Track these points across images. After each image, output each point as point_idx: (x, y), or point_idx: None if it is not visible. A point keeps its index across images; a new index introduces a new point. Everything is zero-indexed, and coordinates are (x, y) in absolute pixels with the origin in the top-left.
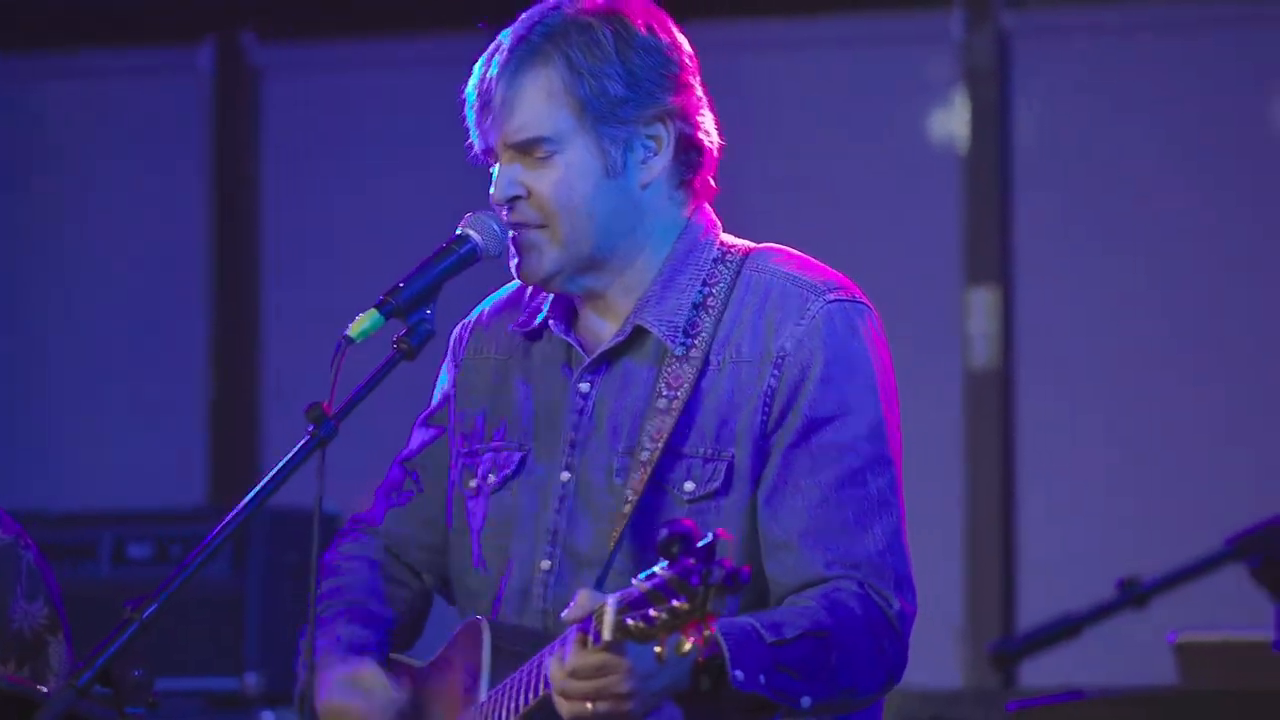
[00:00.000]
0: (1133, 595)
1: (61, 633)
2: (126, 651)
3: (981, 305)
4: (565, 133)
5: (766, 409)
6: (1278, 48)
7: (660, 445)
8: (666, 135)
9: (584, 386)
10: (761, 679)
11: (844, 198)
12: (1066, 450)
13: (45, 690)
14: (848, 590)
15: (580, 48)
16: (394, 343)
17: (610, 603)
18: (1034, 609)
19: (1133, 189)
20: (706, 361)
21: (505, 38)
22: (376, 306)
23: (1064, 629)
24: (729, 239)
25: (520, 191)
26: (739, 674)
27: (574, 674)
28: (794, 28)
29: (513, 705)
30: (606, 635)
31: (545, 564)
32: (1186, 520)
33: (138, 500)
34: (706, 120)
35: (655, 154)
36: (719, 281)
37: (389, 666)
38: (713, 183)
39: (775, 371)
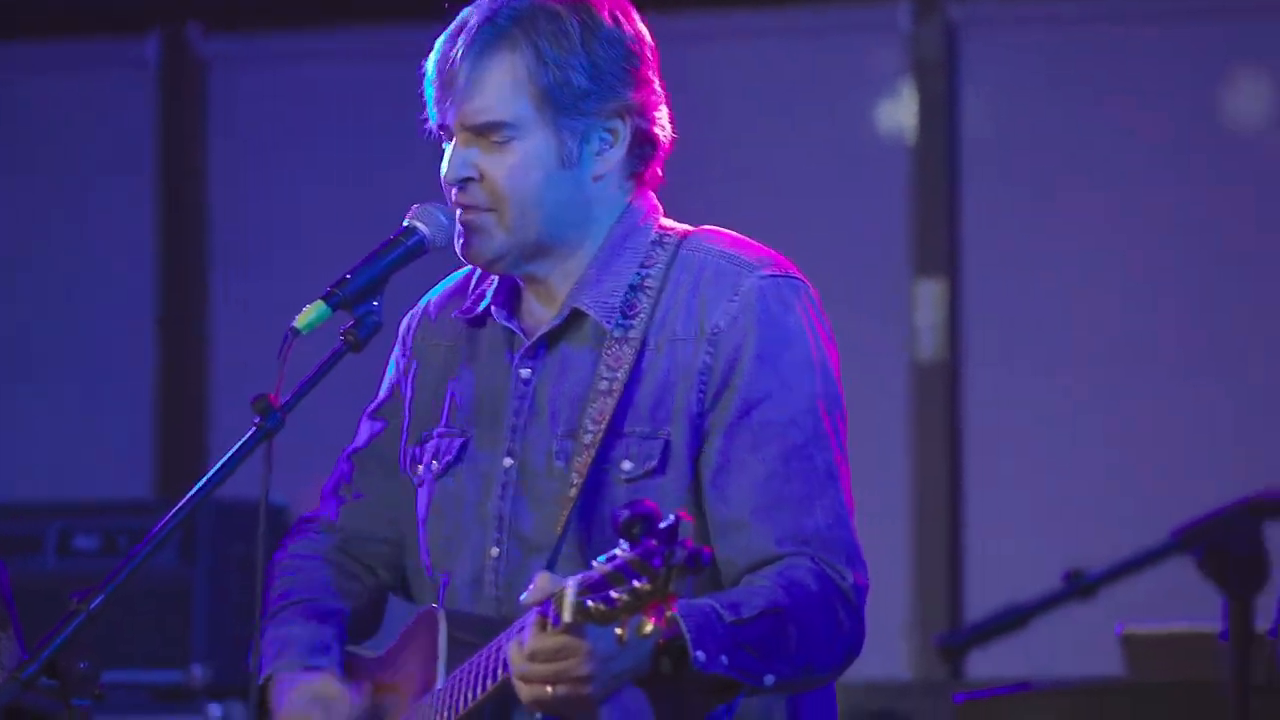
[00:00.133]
0: (1079, 587)
1: (11, 628)
2: (72, 643)
3: (929, 297)
4: (525, 120)
5: (702, 387)
6: (1227, 38)
7: (603, 427)
8: (624, 129)
9: (525, 372)
10: (723, 659)
11: (791, 188)
12: (1013, 442)
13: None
14: (802, 567)
15: (548, 36)
16: (341, 334)
17: (570, 585)
18: (981, 601)
19: (1081, 180)
20: (645, 342)
21: (471, 15)
22: (323, 298)
23: (1011, 620)
24: (668, 223)
25: (473, 174)
26: (700, 655)
27: (533, 657)
28: (741, 19)
29: (471, 691)
30: (566, 617)
31: (494, 551)
32: (1133, 512)
33: (84, 491)
34: (662, 115)
35: (611, 147)
36: (656, 263)
37: (346, 660)
38: (660, 173)
39: (709, 349)
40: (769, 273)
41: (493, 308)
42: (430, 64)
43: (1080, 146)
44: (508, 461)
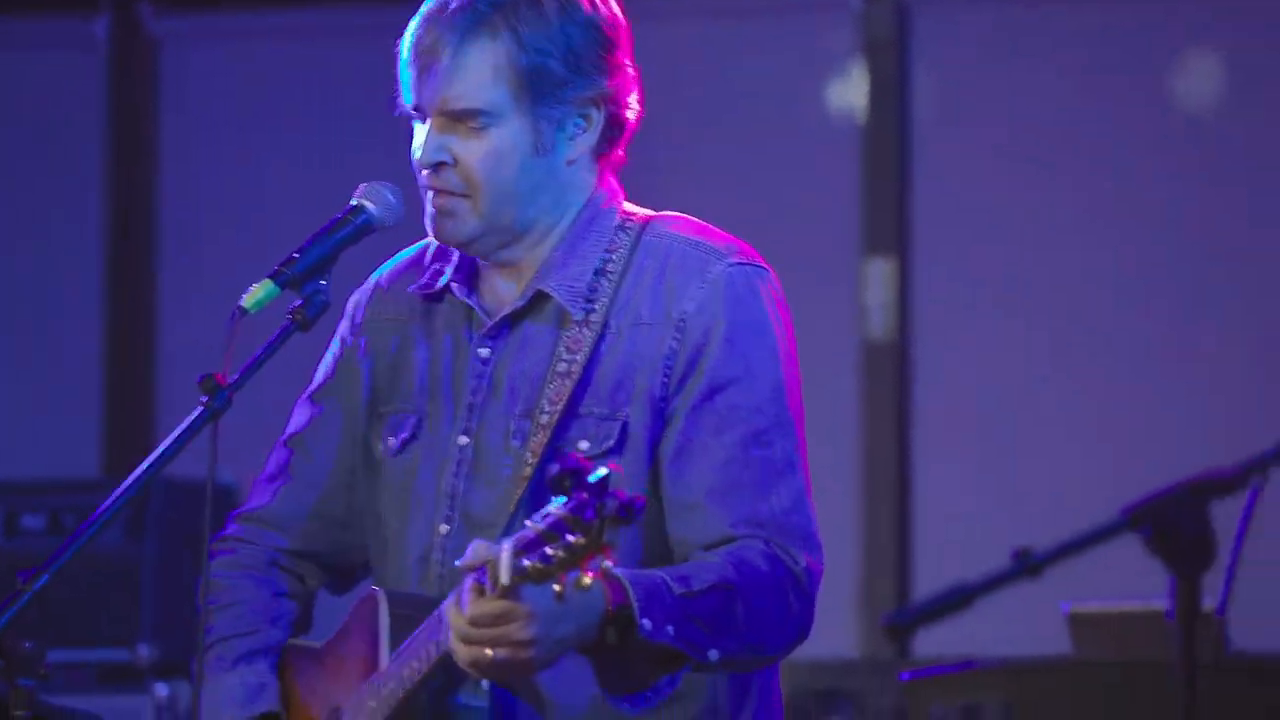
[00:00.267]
0: (1026, 565)
1: None
2: (18, 623)
3: (879, 276)
4: (502, 108)
5: (667, 371)
6: (1179, 19)
7: (560, 408)
8: (598, 115)
9: (484, 351)
10: (670, 630)
11: (742, 168)
12: (962, 421)
13: None
14: (754, 549)
15: (528, 23)
16: (289, 313)
17: (505, 547)
18: (928, 580)
19: (1031, 160)
20: (606, 326)
21: None
22: (271, 277)
23: (958, 599)
24: (630, 207)
25: (447, 159)
26: (647, 623)
27: (473, 623)
28: None
29: (414, 665)
30: (504, 579)
31: (444, 528)
32: (1081, 490)
33: (31, 470)
34: (633, 98)
35: (584, 132)
36: (620, 248)
37: (288, 653)
38: (624, 154)
39: (676, 334)
40: (737, 260)
41: (453, 284)
42: (405, 45)
43: (1031, 126)
44: (463, 440)
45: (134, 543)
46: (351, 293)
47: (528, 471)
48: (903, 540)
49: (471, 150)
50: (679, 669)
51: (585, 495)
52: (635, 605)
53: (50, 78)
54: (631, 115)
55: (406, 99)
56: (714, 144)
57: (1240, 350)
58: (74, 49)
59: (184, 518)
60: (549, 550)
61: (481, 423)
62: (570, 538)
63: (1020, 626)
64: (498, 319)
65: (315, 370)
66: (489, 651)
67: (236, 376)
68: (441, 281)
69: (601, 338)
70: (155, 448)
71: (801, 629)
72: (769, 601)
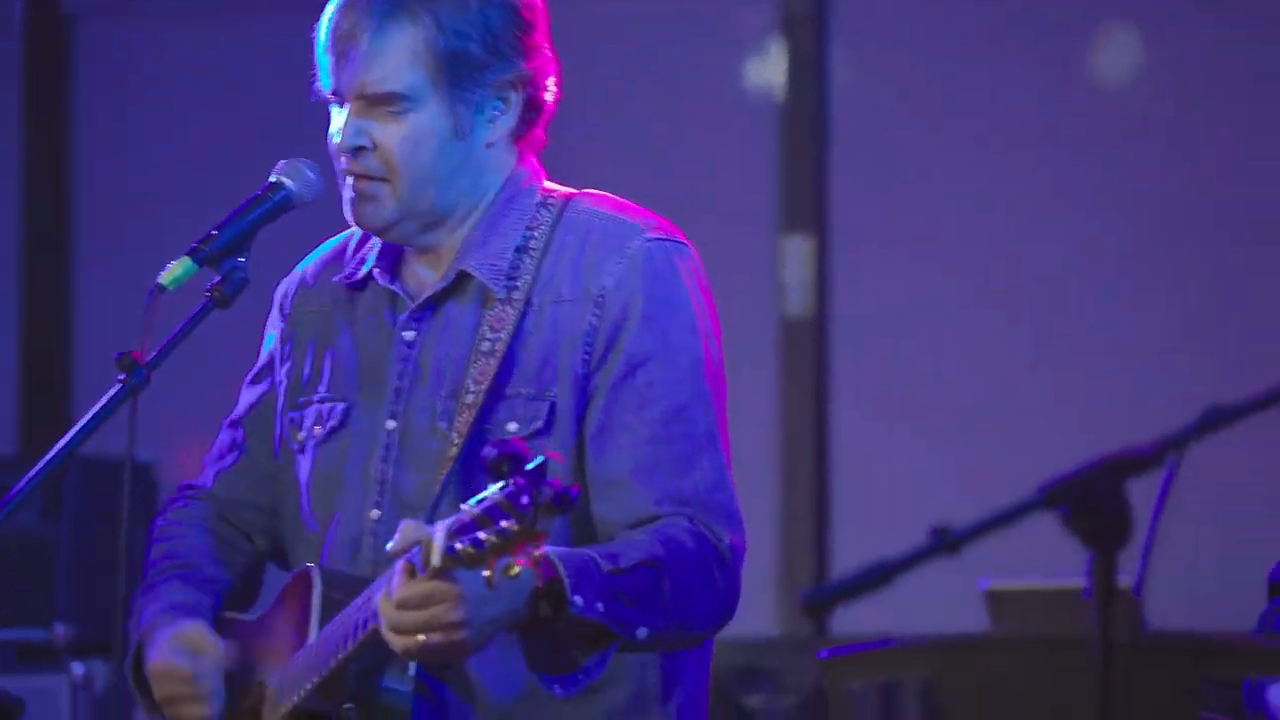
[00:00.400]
0: (945, 543)
1: None
2: None
3: (797, 253)
4: (421, 92)
5: (588, 348)
6: None
7: (485, 388)
8: (516, 98)
9: (408, 334)
10: (600, 607)
11: (660, 145)
12: (880, 398)
13: None
14: (679, 526)
15: (447, 7)
16: (208, 291)
17: (438, 530)
18: (847, 557)
19: (949, 138)
20: (529, 303)
21: None
22: (189, 254)
23: (876, 577)
24: (551, 185)
25: (366, 143)
26: (578, 600)
27: (403, 605)
28: None
29: (341, 644)
30: (435, 562)
31: (374, 513)
32: (999, 467)
33: None
34: (552, 80)
35: (503, 114)
36: (541, 225)
37: (220, 624)
38: (544, 135)
39: (596, 311)
40: (655, 236)
41: (376, 271)
42: (323, 29)
43: (949, 104)
44: (390, 424)
45: (50, 522)
46: (268, 269)
47: (454, 452)
48: (821, 518)
49: (390, 134)
50: (608, 648)
51: (522, 481)
52: (566, 582)
53: None
54: (549, 97)
55: (325, 83)
56: (633, 122)
57: (1160, 326)
58: None
59: (101, 496)
60: (482, 535)
61: (408, 406)
62: (504, 523)
63: (939, 604)
64: (420, 301)
65: (258, 353)
66: (420, 637)
67: (154, 354)
68: (364, 270)
69: (524, 315)
70: (72, 426)
71: (727, 606)
72: (696, 579)
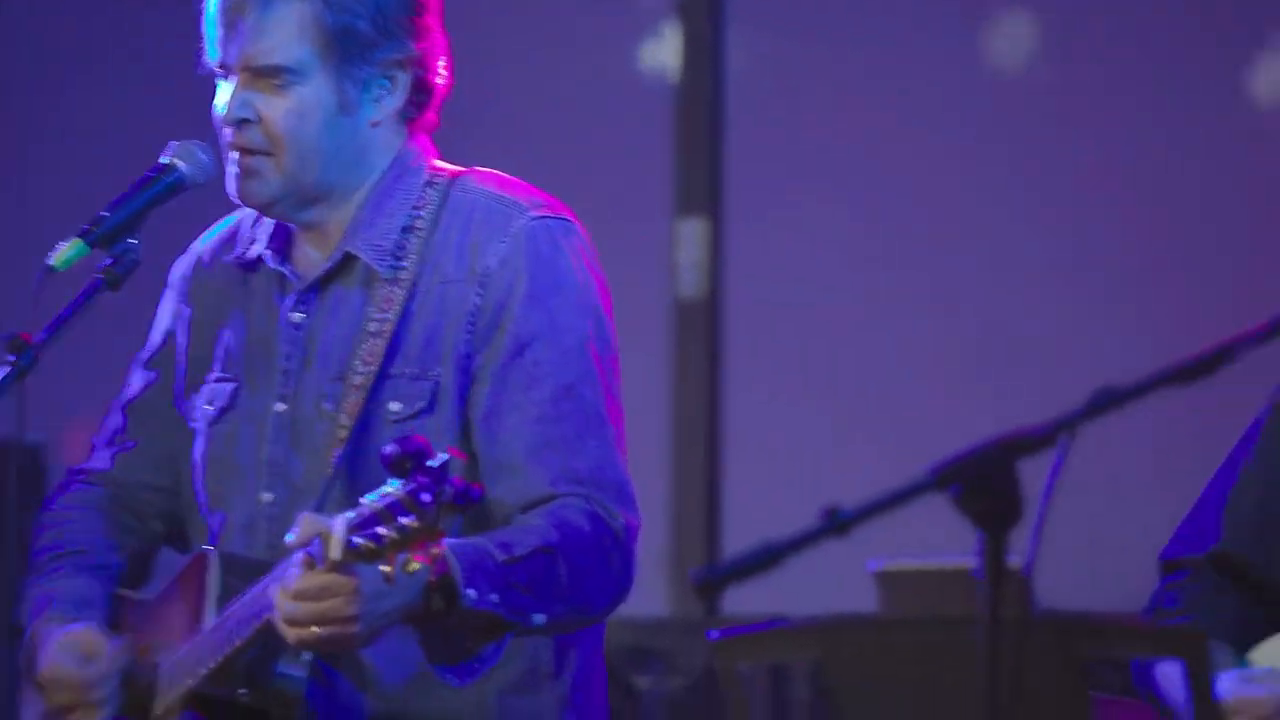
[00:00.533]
0: (835, 524)
1: None
2: None
3: (691, 236)
4: (307, 66)
5: (471, 328)
6: None
7: (373, 369)
8: (403, 78)
9: (296, 317)
10: (494, 598)
11: (555, 127)
12: (772, 380)
13: None
14: (574, 507)
15: None
16: (98, 272)
17: (338, 523)
18: (738, 538)
19: (844, 120)
20: (415, 284)
21: None
22: (80, 235)
23: (766, 558)
24: (440, 164)
25: (251, 115)
26: (471, 593)
27: (299, 597)
28: None
29: (237, 631)
30: (334, 555)
31: (266, 496)
32: (890, 449)
33: None
34: (442, 63)
35: (390, 94)
36: (427, 205)
37: (118, 605)
38: (436, 118)
39: (480, 290)
40: (540, 214)
41: (266, 252)
42: (211, 1)
43: (844, 87)
44: (279, 407)
45: None
46: (159, 251)
47: (343, 435)
48: (712, 499)
49: (275, 107)
50: (504, 635)
51: (424, 479)
52: (459, 576)
53: None
54: (440, 80)
55: (211, 55)
56: (527, 103)
57: (1054, 309)
58: None
59: None
60: (381, 530)
61: (297, 389)
62: (404, 520)
63: (830, 585)
64: (307, 283)
65: (149, 333)
66: (315, 629)
67: (43, 335)
68: (255, 251)
69: (411, 296)
70: None
71: (623, 587)
72: (591, 561)
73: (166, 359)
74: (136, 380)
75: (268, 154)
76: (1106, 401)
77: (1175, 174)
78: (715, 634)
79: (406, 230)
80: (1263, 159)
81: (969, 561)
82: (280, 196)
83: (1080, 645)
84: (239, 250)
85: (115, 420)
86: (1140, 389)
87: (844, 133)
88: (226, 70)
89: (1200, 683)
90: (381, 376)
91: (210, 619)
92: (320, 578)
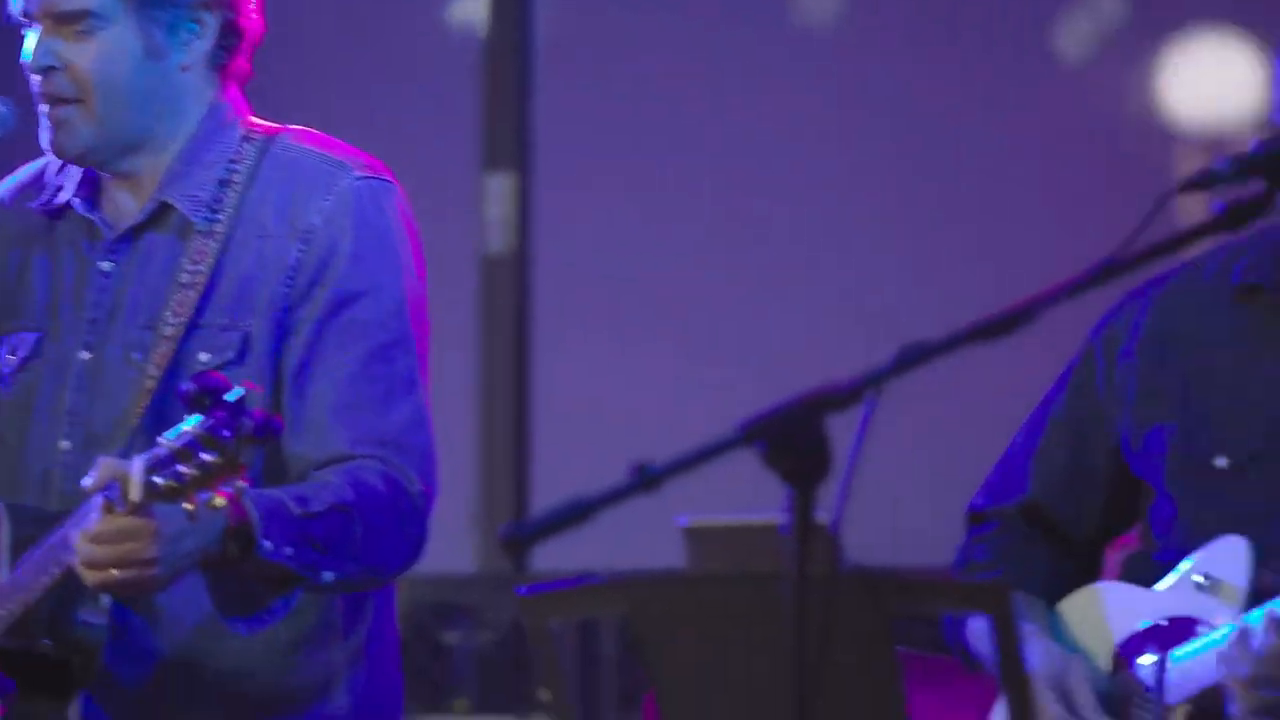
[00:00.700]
0: (644, 480)
1: None
2: None
3: (499, 191)
4: (111, 9)
5: (290, 283)
6: None
7: (183, 320)
8: (211, 20)
9: (106, 265)
10: (288, 551)
11: (361, 81)
12: (581, 336)
13: None
14: (372, 469)
15: None
16: None
17: (136, 464)
18: (547, 494)
19: (652, 75)
20: (230, 236)
21: None
22: None
23: (575, 513)
24: (255, 120)
25: (57, 63)
26: (267, 544)
27: (98, 540)
28: None
29: (35, 580)
30: (134, 496)
31: (64, 445)
32: (699, 405)
33: None
34: (252, 6)
35: (198, 38)
36: (244, 159)
37: None
38: (249, 67)
39: (301, 246)
40: (363, 174)
41: (75, 200)
42: None
43: (653, 41)
44: (84, 355)
45: None
46: None
47: (150, 385)
48: (521, 454)
49: (80, 53)
50: (294, 590)
51: (222, 414)
52: (257, 525)
53: None
54: (249, 23)
55: (14, 5)
56: (334, 56)
57: (863, 264)
58: None
59: None
60: (182, 468)
61: (104, 338)
62: (205, 456)
63: (638, 541)
64: (120, 232)
65: None
66: (115, 572)
67: None
68: (62, 198)
69: (225, 249)
70: None
71: (416, 551)
72: (385, 523)
73: None
74: None
75: (77, 101)
76: (912, 358)
77: (982, 131)
78: (524, 590)
79: (223, 184)
80: (1071, 116)
81: (777, 518)
82: (93, 146)
83: (888, 601)
84: (44, 197)
85: None
86: (945, 345)
87: (652, 88)
88: (29, 18)
89: (1006, 638)
90: (193, 328)
91: (4, 573)
92: (119, 521)
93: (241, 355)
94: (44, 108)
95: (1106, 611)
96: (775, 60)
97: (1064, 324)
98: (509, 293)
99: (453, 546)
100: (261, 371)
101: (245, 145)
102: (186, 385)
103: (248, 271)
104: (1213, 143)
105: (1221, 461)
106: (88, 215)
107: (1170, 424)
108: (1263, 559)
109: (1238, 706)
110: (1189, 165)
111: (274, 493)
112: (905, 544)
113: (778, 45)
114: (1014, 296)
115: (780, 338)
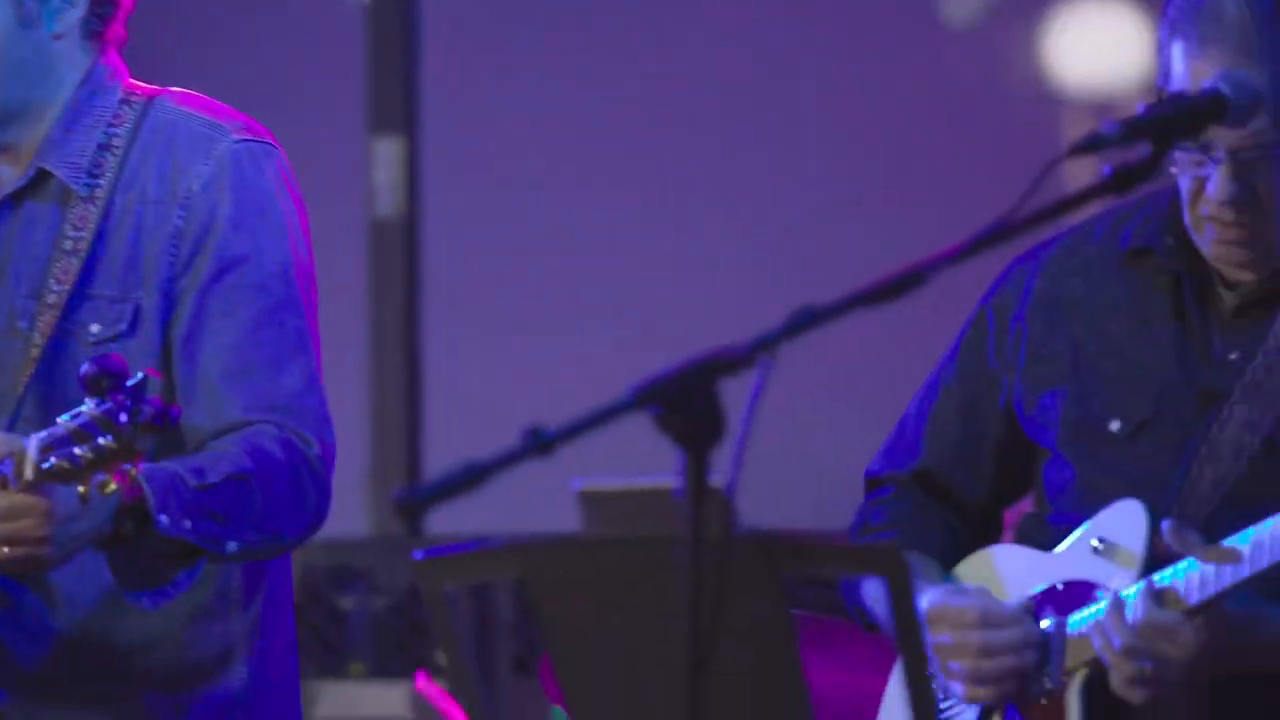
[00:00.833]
0: (538, 443)
1: None
2: None
3: (387, 155)
4: None
5: (174, 250)
6: None
7: (67, 288)
8: None
9: None
10: (187, 524)
11: (246, 44)
12: (472, 299)
13: None
14: (268, 434)
15: None
16: None
17: (31, 443)
18: (440, 457)
19: (539, 37)
20: (111, 202)
21: None
22: None
23: (469, 477)
24: (135, 83)
25: None
26: (164, 519)
27: None
28: None
29: None
30: (27, 475)
31: None
32: (592, 368)
33: None
34: None
35: (71, 5)
36: (124, 123)
37: None
38: (124, 32)
39: (181, 213)
40: (242, 137)
41: None
42: None
43: (539, 3)
44: None
45: None
46: None
47: (35, 353)
48: (413, 418)
49: None
50: (197, 562)
51: (121, 399)
52: (151, 500)
53: None
54: None
55: None
56: (217, 19)
57: (753, 229)
58: None
59: None
60: (77, 450)
61: None
62: (101, 440)
63: (534, 504)
64: None
65: None
66: (4, 550)
67: None
68: None
69: (107, 214)
70: None
71: (318, 514)
72: (285, 489)
73: None
74: None
75: None
76: (805, 321)
77: (870, 97)
78: (419, 554)
79: (103, 148)
80: (959, 81)
81: (671, 481)
82: None
83: (783, 564)
84: None
85: None
86: (837, 308)
87: (539, 49)
88: None
89: (901, 600)
90: (81, 297)
91: None
92: (11, 498)
93: (133, 327)
94: None
95: (1002, 574)
96: (665, 22)
97: (964, 287)
98: (398, 256)
99: (347, 511)
100: (152, 342)
101: (124, 108)
102: (87, 367)
103: (133, 238)
104: (1100, 107)
105: (1115, 425)
106: None
107: (1062, 388)
108: (1156, 524)
109: (1114, 677)
110: (1077, 130)
111: (170, 465)
112: (800, 508)
113: (665, 7)
114: (902, 260)
115: (673, 300)
